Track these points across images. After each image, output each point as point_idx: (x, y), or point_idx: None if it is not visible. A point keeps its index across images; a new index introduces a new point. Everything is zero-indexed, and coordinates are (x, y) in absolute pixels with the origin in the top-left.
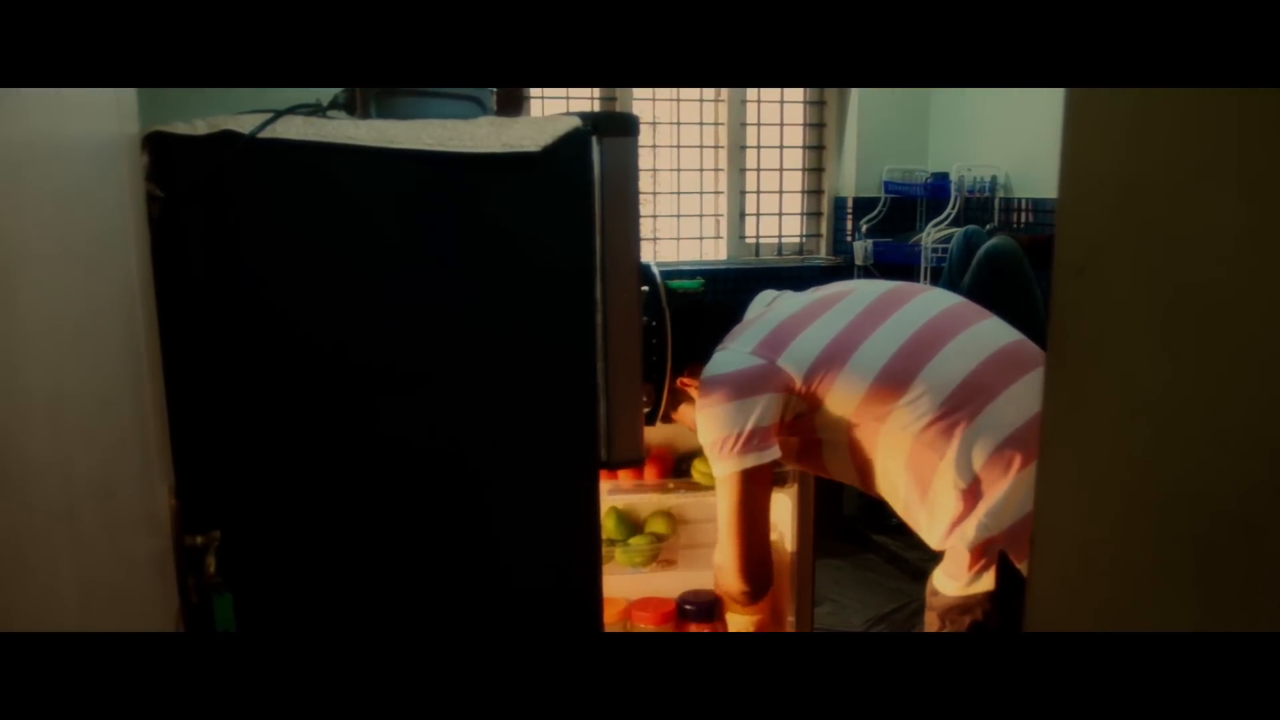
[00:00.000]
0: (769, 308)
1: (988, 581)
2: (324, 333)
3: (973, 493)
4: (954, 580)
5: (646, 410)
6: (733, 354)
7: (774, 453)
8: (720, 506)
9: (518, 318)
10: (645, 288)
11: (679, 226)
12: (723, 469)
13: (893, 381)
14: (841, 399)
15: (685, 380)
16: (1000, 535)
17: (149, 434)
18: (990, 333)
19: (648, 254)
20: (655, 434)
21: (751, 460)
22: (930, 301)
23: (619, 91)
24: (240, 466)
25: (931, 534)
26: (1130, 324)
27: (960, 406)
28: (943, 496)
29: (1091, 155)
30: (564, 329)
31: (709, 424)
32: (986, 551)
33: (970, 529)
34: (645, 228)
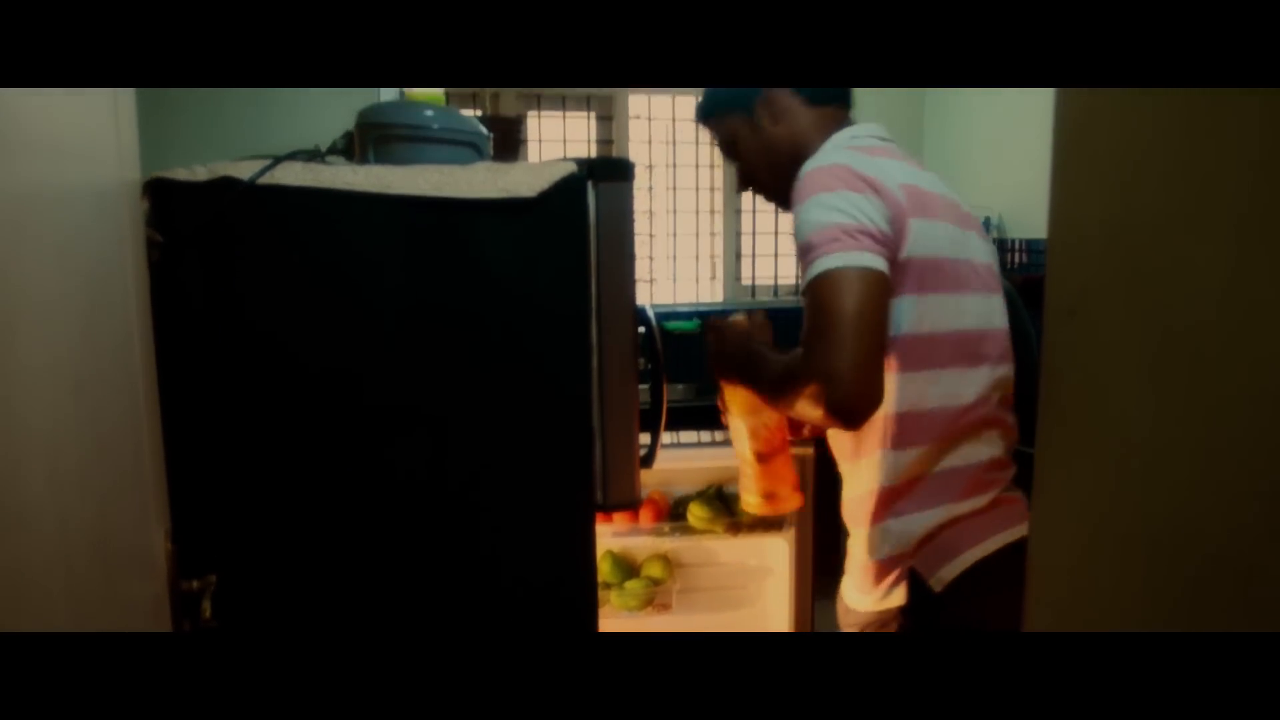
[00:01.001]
0: (904, 154)
1: (899, 596)
2: (321, 376)
3: (890, 496)
4: (865, 595)
5: (643, 454)
6: (877, 164)
7: (888, 268)
8: (824, 310)
9: (514, 360)
10: (641, 329)
11: (675, 268)
12: (837, 261)
13: (930, 357)
14: (903, 316)
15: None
16: (908, 553)
17: (146, 478)
18: (1004, 380)
19: (644, 296)
20: (651, 477)
21: (875, 261)
22: (997, 313)
23: (615, 134)
24: (237, 509)
25: (846, 509)
26: (1121, 365)
27: (943, 426)
28: (862, 479)
29: (1080, 200)
30: (560, 372)
31: (820, 205)
32: (895, 566)
33: (881, 543)
34: (642, 269)
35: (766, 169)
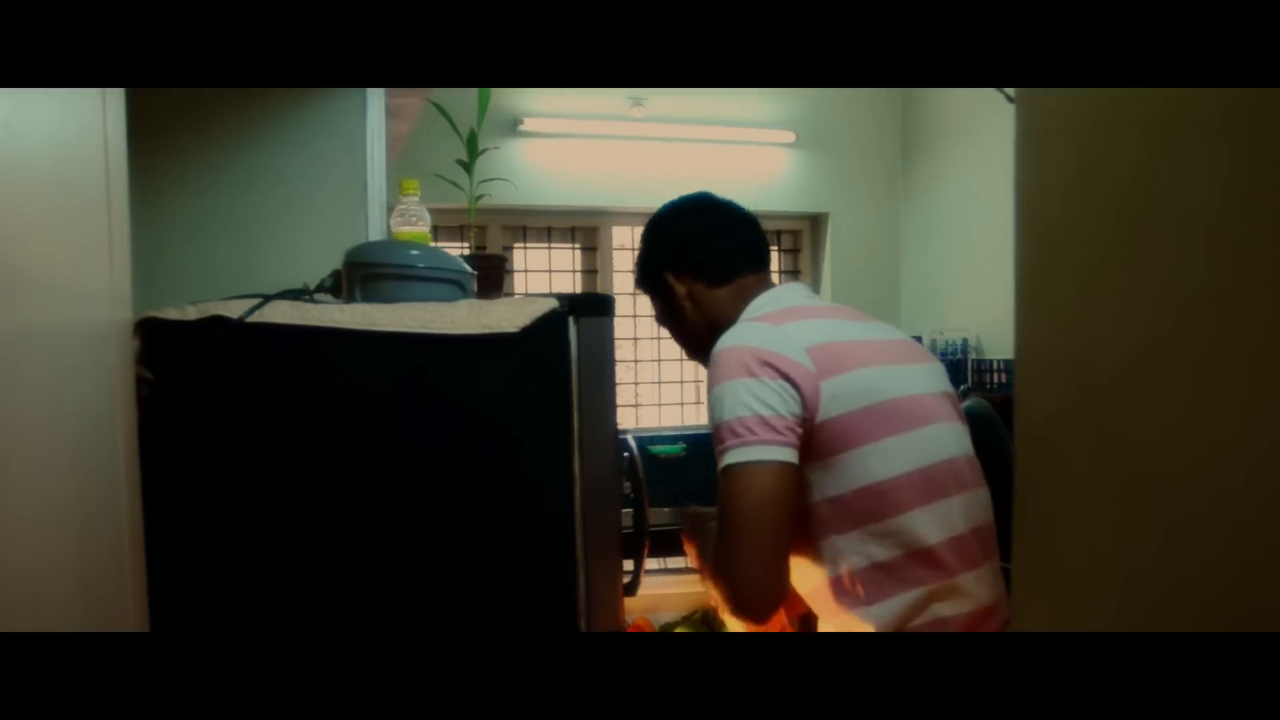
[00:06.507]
0: (822, 308)
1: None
2: (308, 509)
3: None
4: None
5: (626, 580)
6: (783, 335)
7: (795, 455)
8: (725, 507)
9: (497, 490)
10: (626, 453)
11: (660, 393)
12: (736, 457)
13: (886, 501)
14: (839, 476)
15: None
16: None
17: (129, 616)
18: (979, 506)
19: (629, 421)
20: (635, 603)
21: (776, 453)
22: (954, 440)
23: (599, 264)
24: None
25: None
26: (1091, 492)
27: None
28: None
29: (1042, 335)
30: (543, 502)
31: (726, 396)
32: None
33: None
34: (627, 395)
35: (685, 342)
